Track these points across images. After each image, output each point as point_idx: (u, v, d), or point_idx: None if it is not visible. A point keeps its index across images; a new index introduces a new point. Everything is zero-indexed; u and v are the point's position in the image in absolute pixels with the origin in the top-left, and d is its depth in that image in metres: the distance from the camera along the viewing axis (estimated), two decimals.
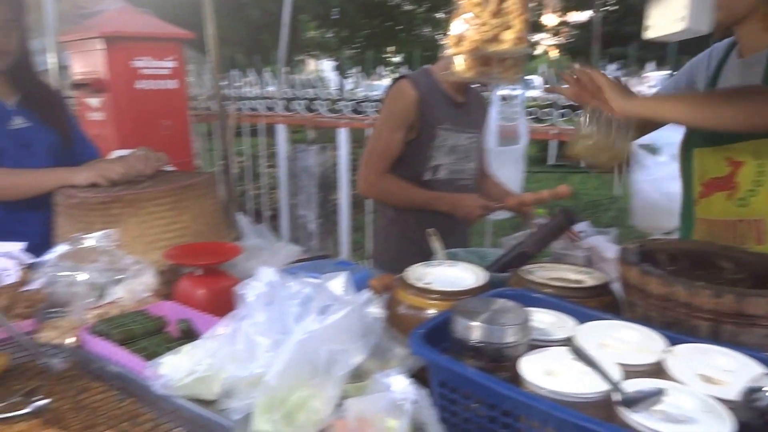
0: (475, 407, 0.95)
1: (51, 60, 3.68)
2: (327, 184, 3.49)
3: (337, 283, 1.02)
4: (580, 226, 1.98)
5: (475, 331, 0.98)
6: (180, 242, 1.70)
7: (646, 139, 2.29)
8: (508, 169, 2.64)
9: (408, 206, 2.21)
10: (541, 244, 1.44)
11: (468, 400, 0.96)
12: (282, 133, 3.58)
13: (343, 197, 3.36)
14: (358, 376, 1.12)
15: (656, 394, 0.81)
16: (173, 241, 1.69)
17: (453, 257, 1.53)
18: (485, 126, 2.30)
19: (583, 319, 1.11)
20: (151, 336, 1.35)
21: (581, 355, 0.96)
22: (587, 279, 1.32)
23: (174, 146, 3.39)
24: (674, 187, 2.19)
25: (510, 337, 0.97)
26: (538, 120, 2.82)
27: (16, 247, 1.48)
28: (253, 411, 1.05)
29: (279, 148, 3.59)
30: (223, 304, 1.48)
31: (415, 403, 0.85)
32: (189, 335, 1.35)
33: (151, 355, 1.24)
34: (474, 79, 1.71)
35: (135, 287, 1.54)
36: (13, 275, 1.38)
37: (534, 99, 2.86)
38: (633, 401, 0.81)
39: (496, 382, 0.91)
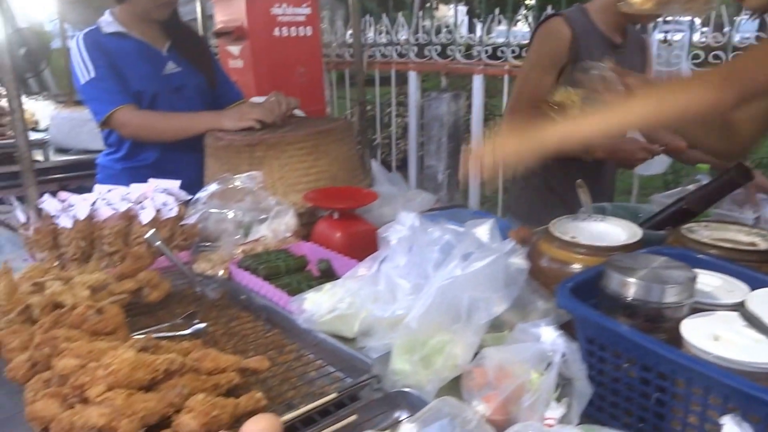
0: (626, 367, 0.89)
1: (197, 9, 3.90)
2: (458, 134, 3.42)
3: (483, 230, 0.98)
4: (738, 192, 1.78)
5: (631, 287, 0.91)
6: (318, 186, 1.75)
7: None
8: None
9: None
10: (706, 201, 1.30)
11: (618, 360, 0.90)
12: (413, 80, 3.53)
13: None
14: (496, 326, 1.10)
15: None
16: (311, 184, 1.75)
17: (601, 212, 1.43)
18: (645, 70, 2.08)
19: (755, 285, 0.99)
20: (293, 273, 1.42)
21: (755, 322, 0.86)
22: (761, 242, 1.17)
23: (307, 93, 3.47)
24: None
25: (671, 296, 0.89)
26: (703, 65, 2.52)
27: (174, 184, 1.60)
28: (391, 351, 1.07)
29: (410, 96, 3.56)
30: (358, 248, 1.51)
31: (564, 356, 0.81)
32: (328, 275, 1.40)
33: (294, 290, 1.30)
34: (652, 12, 1.54)
35: (277, 227, 1.61)
36: (173, 210, 1.49)
37: (702, 43, 2.51)
38: None
39: (655, 342, 0.84)
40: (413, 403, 0.97)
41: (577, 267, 1.17)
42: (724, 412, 0.75)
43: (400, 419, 0.96)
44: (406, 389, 0.99)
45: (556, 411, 0.71)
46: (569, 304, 0.94)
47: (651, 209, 1.50)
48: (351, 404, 0.97)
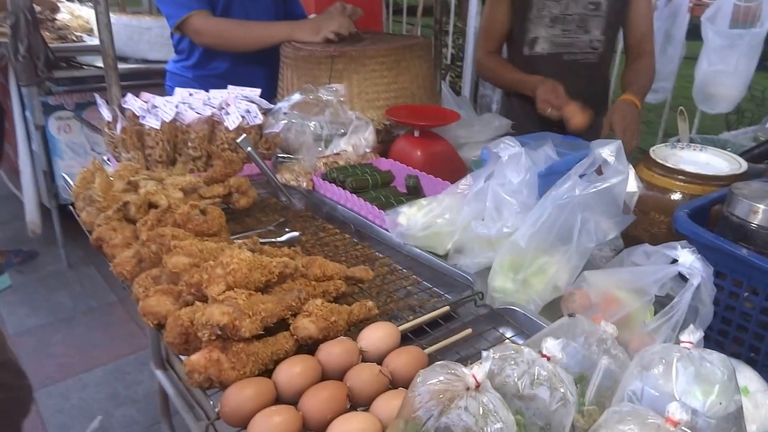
0: (746, 296, 0.88)
1: None
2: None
3: (608, 152, 0.95)
4: None
5: (759, 214, 0.88)
6: (397, 103, 1.71)
7: None
8: (738, 60, 2.27)
9: (506, 88, 2.02)
10: None
11: (738, 289, 0.89)
12: (474, 5, 3.38)
13: None
14: None
15: None
16: (390, 101, 1.70)
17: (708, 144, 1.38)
18: None
19: None
20: (379, 188, 1.40)
21: None
22: None
23: (365, 14, 3.34)
24: None
25: None
26: None
27: (255, 92, 1.57)
28: (492, 269, 1.06)
29: (469, 22, 3.41)
30: (437, 167, 1.49)
31: (699, 278, 0.79)
32: (416, 191, 1.38)
33: (384, 205, 1.29)
34: None
35: (357, 142, 1.58)
36: (257, 117, 1.47)
37: None
38: None
39: None
40: (520, 321, 0.97)
41: (677, 196, 1.14)
42: None
43: (506, 336, 0.97)
44: (513, 306, 0.99)
45: (694, 335, 0.70)
46: (690, 229, 0.92)
47: (738, 142, 1.45)
48: (458, 318, 0.97)
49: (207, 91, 1.59)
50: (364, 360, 0.82)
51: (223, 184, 1.31)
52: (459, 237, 1.15)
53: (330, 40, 1.79)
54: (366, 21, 2.56)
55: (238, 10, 1.94)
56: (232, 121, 1.43)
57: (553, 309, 1.02)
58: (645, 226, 1.18)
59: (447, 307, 0.95)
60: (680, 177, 1.15)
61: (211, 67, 1.98)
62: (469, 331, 0.91)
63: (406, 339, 0.90)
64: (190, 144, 1.44)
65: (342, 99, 1.60)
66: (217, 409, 0.74)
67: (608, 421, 0.62)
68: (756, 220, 0.89)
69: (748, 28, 2.29)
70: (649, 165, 1.20)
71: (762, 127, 1.94)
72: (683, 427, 0.59)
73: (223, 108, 1.49)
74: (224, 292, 0.86)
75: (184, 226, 1.08)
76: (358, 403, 0.75)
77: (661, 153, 1.23)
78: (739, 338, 0.91)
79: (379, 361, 0.81)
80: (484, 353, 0.65)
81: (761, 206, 0.89)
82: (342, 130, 1.61)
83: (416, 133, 1.58)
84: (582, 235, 1.00)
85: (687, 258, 0.80)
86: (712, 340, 0.94)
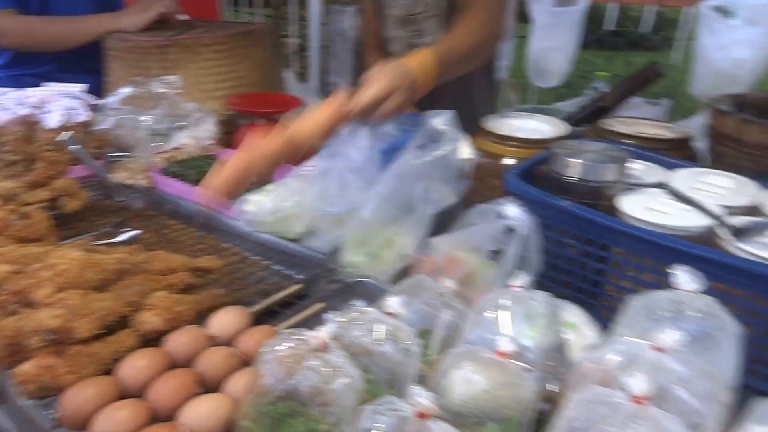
0: (570, 243, 0.97)
1: None
2: (362, 50, 3.35)
3: (441, 121, 1.00)
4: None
5: (577, 168, 0.98)
6: (238, 92, 1.67)
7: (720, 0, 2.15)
8: (562, 36, 2.51)
9: None
10: (621, 98, 1.40)
11: (563, 237, 0.98)
12: None
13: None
14: None
15: (761, 225, 0.81)
16: (231, 90, 1.66)
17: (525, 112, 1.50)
18: None
19: (668, 167, 1.10)
20: None
21: (680, 195, 0.96)
22: (667, 132, 1.30)
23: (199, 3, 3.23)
24: (745, 53, 2.09)
25: (610, 175, 0.97)
26: None
27: (79, 88, 1.45)
28: (343, 245, 1.08)
29: (311, 10, 3.42)
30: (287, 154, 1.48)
31: (527, 230, 0.86)
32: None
33: None
34: None
35: (199, 134, 1.53)
36: (82, 114, 1.36)
37: None
38: (740, 231, 0.82)
39: (598, 214, 0.92)
40: (372, 291, 1.00)
41: (509, 161, 1.23)
42: (657, 272, 0.84)
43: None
44: (364, 278, 1.01)
45: (521, 279, 0.77)
46: (520, 188, 0.99)
47: (567, 111, 1.60)
48: (312, 297, 0.98)
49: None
50: (215, 345, 0.80)
51: (48, 187, 1.20)
52: (308, 219, 1.15)
53: (161, 23, 1.70)
54: (200, 9, 2.47)
55: (58, 6, 1.78)
56: (53, 120, 1.31)
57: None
58: (483, 191, 1.26)
59: (298, 286, 0.95)
60: (511, 143, 1.24)
61: (28, 65, 1.80)
62: (321, 305, 0.92)
63: (261, 323, 0.89)
64: (5, 147, 1.30)
65: (178, 91, 1.53)
66: (56, 415, 0.68)
67: (447, 363, 0.65)
68: (573, 174, 0.99)
69: (568, 6, 2.52)
70: (482, 134, 1.28)
71: (587, 94, 2.15)
72: (513, 360, 0.65)
73: (41, 106, 1.37)
74: (54, 294, 0.80)
75: (2, 233, 0.98)
76: (210, 386, 0.73)
77: (494, 122, 1.32)
78: (567, 281, 1.00)
79: (231, 344, 0.80)
80: (329, 315, 0.66)
81: (576, 161, 0.98)
82: (181, 123, 1.54)
83: (261, 122, 1.55)
84: (425, 202, 1.05)
85: (513, 212, 0.86)
86: (544, 286, 1.02)
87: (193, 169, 1.33)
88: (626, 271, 0.92)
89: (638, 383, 0.53)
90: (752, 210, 0.95)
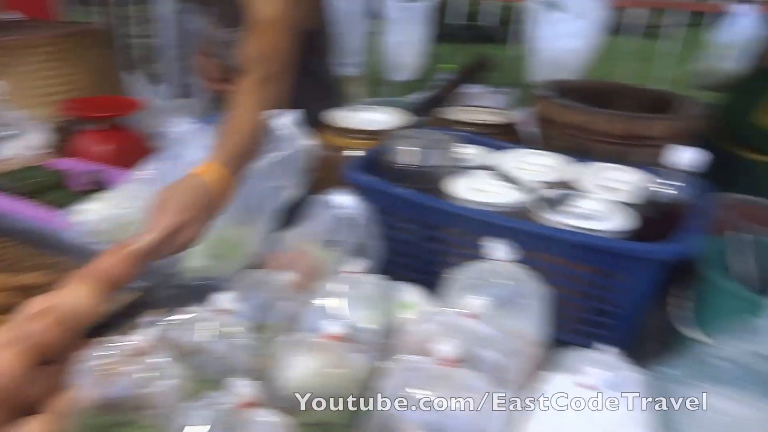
0: (410, 228, 1.02)
1: None
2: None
3: (284, 122, 1.00)
4: (472, 88, 2.06)
5: (410, 155, 1.02)
6: (75, 95, 1.56)
7: None
8: (414, 30, 2.60)
9: None
10: (455, 87, 1.49)
11: (402, 222, 1.02)
12: None
13: None
14: None
15: (565, 196, 0.90)
16: (65, 95, 1.56)
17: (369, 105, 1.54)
18: None
19: (499, 149, 1.18)
20: (56, 189, 1.28)
21: (502, 174, 1.04)
22: (499, 118, 1.39)
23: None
24: (574, 43, 2.29)
25: (441, 160, 1.03)
26: None
27: None
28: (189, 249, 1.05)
29: (161, 9, 3.27)
30: (124, 159, 1.42)
31: (364, 218, 0.89)
32: (98, 187, 1.29)
33: (62, 205, 1.18)
34: None
35: (29, 143, 1.42)
36: None
37: None
38: (547, 202, 0.90)
39: (427, 198, 0.97)
40: (215, 292, 0.98)
41: (355, 152, 1.27)
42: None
43: None
44: (206, 280, 0.99)
45: (356, 265, 0.79)
46: (359, 179, 1.02)
47: (414, 102, 1.66)
48: (153, 303, 0.94)
49: None
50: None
51: None
52: None
53: None
54: (34, 9, 2.28)
55: None
56: None
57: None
58: (330, 184, 1.28)
59: (136, 294, 0.91)
60: (354, 135, 1.28)
61: None
62: (159, 311, 0.89)
63: (97, 335, 0.85)
64: None
65: (4, 97, 1.41)
66: None
67: (280, 352, 0.67)
68: (406, 161, 1.03)
69: (418, 1, 2.62)
70: (327, 128, 1.30)
71: (434, 84, 2.22)
72: (345, 342, 0.67)
73: None
74: None
75: None
76: (33, 408, 0.69)
77: (338, 116, 1.34)
78: (408, 263, 1.04)
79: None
80: (151, 319, 0.64)
81: (407, 149, 1.03)
82: (8, 132, 1.42)
83: (99, 126, 1.47)
84: (269, 201, 1.05)
85: (346, 201, 0.89)
86: (389, 270, 1.06)
87: (22, 181, 1.24)
88: (460, 249, 0.98)
89: (445, 348, 0.57)
90: (569, 183, 1.05)
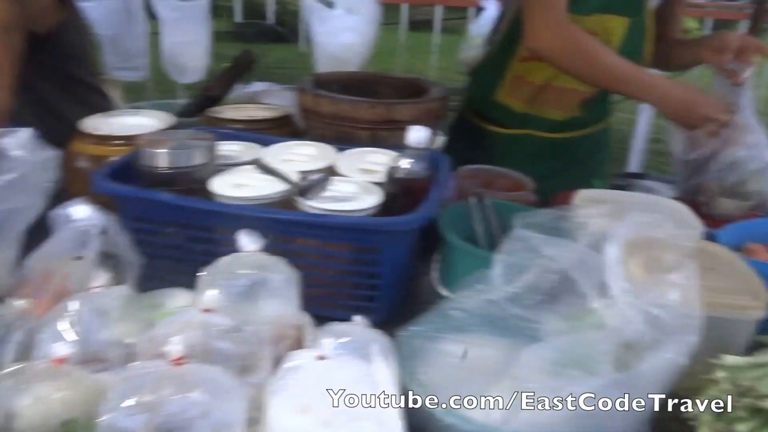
0: (172, 231, 0.99)
1: None
2: None
3: (15, 142, 0.91)
4: (260, 85, 2.07)
5: (163, 158, 0.99)
6: None
7: None
8: (192, 30, 2.51)
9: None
10: (227, 86, 1.47)
11: (164, 227, 0.99)
12: None
13: None
14: None
15: (321, 182, 0.95)
16: None
17: (137, 109, 1.47)
18: None
19: (268, 144, 1.20)
20: None
21: (264, 168, 1.05)
22: (271, 113, 1.41)
23: None
24: (351, 38, 2.39)
25: (198, 159, 1.01)
26: None
27: None
28: None
29: None
30: None
31: (104, 230, 0.85)
32: None
33: None
34: None
35: None
36: None
37: None
38: (304, 190, 0.94)
39: (189, 200, 0.95)
40: None
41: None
42: None
43: None
44: None
45: (100, 279, 0.76)
46: (108, 188, 0.97)
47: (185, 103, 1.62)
48: None
49: None
50: None
51: None
52: None
53: None
54: None
55: None
56: None
57: None
58: (84, 197, 1.20)
59: None
60: (112, 142, 1.20)
61: None
62: None
63: None
64: None
65: None
66: None
67: (6, 385, 0.61)
68: (162, 164, 1.00)
69: (191, 1, 2.53)
70: (81, 137, 1.21)
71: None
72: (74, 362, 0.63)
73: None
74: None
75: None
76: None
77: (93, 123, 1.25)
78: (175, 269, 1.00)
79: None
80: None
81: (161, 151, 1.00)
82: None
83: None
84: (7, 226, 0.95)
85: (83, 213, 0.84)
86: (167, 279, 1.02)
87: None
88: (224, 246, 0.98)
89: (174, 348, 0.57)
90: (328, 171, 1.10)
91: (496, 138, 1.50)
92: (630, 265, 0.76)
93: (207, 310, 0.64)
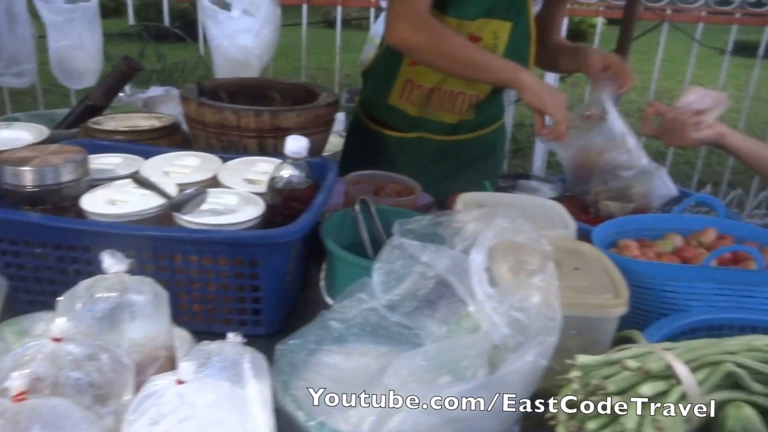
0: (40, 252, 0.93)
1: None
2: None
3: None
4: (157, 90, 1.99)
5: (27, 176, 0.94)
6: None
7: None
8: (81, 33, 2.37)
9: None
10: (108, 95, 1.41)
11: (33, 248, 0.93)
12: None
13: None
14: None
15: (199, 195, 0.92)
16: None
17: (11, 120, 1.38)
18: None
19: (151, 155, 1.15)
20: None
21: (141, 182, 1.01)
22: (157, 122, 1.36)
23: None
24: (249, 40, 2.34)
25: (66, 175, 0.96)
26: None
27: None
28: None
29: None
30: None
31: None
32: None
33: None
34: None
35: None
36: None
37: None
38: (180, 205, 0.91)
39: (57, 219, 0.90)
40: None
41: None
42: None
43: None
44: None
45: None
46: None
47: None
48: None
49: None
50: None
51: None
52: None
53: None
54: None
55: None
56: None
57: None
58: None
59: None
60: None
61: None
62: None
63: None
64: None
65: None
66: None
67: None
68: (26, 182, 0.94)
69: (79, 3, 2.40)
70: None
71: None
72: None
73: None
74: None
75: None
76: None
77: None
78: (46, 291, 0.95)
79: None
80: None
81: (25, 168, 0.94)
82: None
83: None
84: None
85: None
86: (36, 302, 0.95)
87: None
88: (94, 266, 0.93)
89: (14, 383, 0.53)
90: (211, 183, 1.07)
91: (390, 141, 1.52)
92: (501, 269, 0.79)
93: (57, 339, 0.61)
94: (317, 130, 1.27)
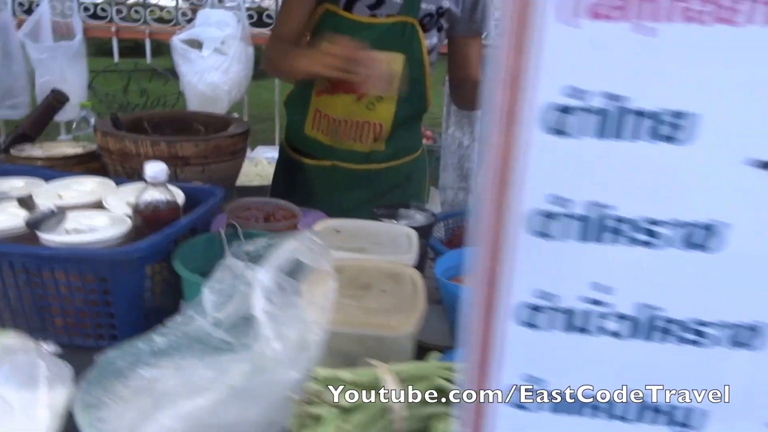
0: None
1: None
2: None
3: None
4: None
5: None
6: None
7: (189, 34, 2.50)
8: (66, 69, 2.55)
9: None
10: (38, 124, 1.51)
11: None
12: None
13: None
14: None
15: (57, 215, 0.98)
16: None
17: None
18: None
19: (51, 179, 1.23)
20: None
21: (25, 203, 1.08)
22: (81, 150, 1.45)
23: None
24: (217, 77, 2.46)
25: None
26: (96, 16, 2.76)
27: None
28: None
29: None
30: None
31: None
32: None
33: None
34: None
35: None
36: None
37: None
38: (37, 223, 0.97)
39: None
40: None
41: None
42: None
43: None
44: None
45: None
46: None
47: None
48: None
49: None
50: None
51: None
52: None
53: None
54: None
55: None
56: None
57: None
58: None
59: None
60: None
61: None
62: None
63: None
64: None
65: None
66: None
67: None
68: None
69: (67, 41, 2.59)
70: None
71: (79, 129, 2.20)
72: None
73: None
74: None
75: None
76: None
77: None
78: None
79: None
80: None
81: None
82: None
83: None
84: None
85: None
86: None
87: None
88: None
89: None
90: (97, 205, 1.14)
91: (308, 170, 1.57)
92: (307, 286, 0.82)
93: None
94: (219, 160, 1.33)
